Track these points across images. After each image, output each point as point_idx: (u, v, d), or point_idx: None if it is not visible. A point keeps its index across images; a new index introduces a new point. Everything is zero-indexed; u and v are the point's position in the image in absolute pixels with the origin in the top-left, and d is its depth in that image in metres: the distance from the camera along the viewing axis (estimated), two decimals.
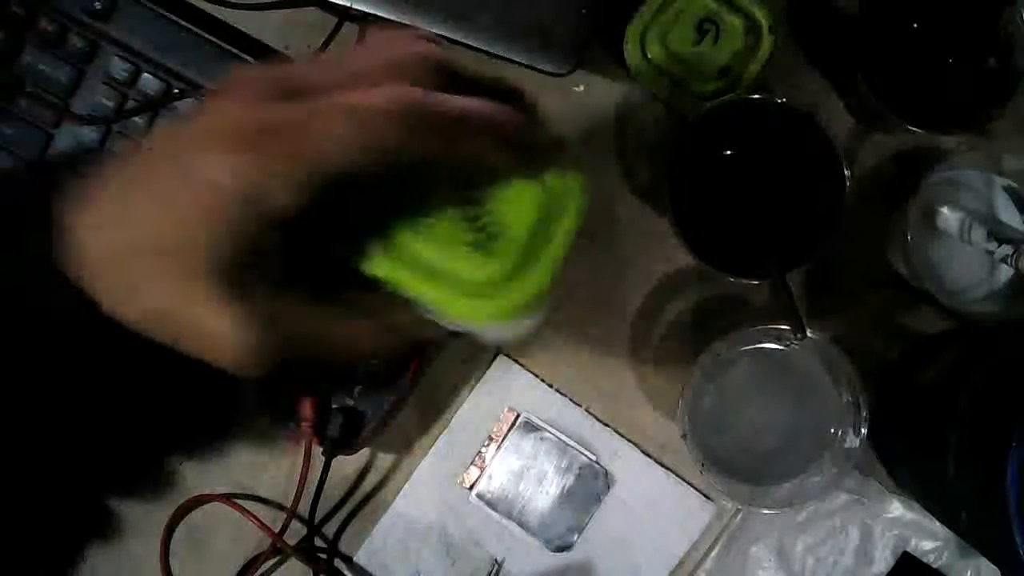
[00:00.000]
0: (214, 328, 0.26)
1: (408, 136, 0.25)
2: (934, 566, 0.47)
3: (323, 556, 0.48)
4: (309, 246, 0.28)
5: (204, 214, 0.25)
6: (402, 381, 0.46)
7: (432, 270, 0.28)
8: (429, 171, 0.28)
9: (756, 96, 0.43)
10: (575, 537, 0.48)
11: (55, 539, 0.46)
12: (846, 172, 0.42)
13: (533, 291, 0.29)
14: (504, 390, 0.48)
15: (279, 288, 0.28)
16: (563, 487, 0.48)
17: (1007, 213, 0.46)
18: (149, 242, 0.26)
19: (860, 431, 0.43)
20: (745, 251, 0.43)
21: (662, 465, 0.48)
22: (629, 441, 0.48)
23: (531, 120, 0.30)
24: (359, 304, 0.30)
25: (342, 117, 0.25)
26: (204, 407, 0.46)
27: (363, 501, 0.49)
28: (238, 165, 0.25)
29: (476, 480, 0.48)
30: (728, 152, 0.43)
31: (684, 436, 0.43)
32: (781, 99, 0.43)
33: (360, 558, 0.48)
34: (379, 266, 0.28)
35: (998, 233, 0.44)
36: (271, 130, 0.25)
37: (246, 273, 0.26)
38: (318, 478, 0.47)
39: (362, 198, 0.28)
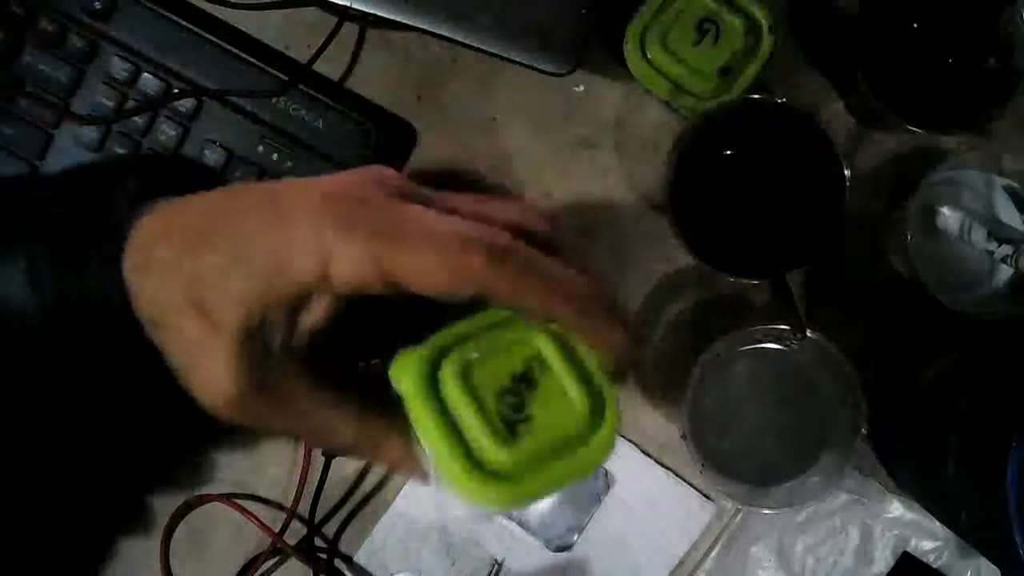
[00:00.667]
0: (210, 372, 0.27)
1: (493, 276, 0.26)
2: (934, 566, 0.47)
3: (323, 556, 0.48)
4: (350, 331, 0.29)
5: (274, 265, 0.26)
6: None
7: (449, 417, 0.27)
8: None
9: (756, 96, 0.43)
10: (575, 537, 0.48)
11: (55, 539, 0.46)
12: (846, 172, 0.42)
13: (523, 498, 0.28)
14: None
15: (289, 361, 0.28)
16: None
17: (1007, 213, 0.46)
18: (214, 292, 0.26)
19: (860, 431, 0.44)
20: (745, 251, 0.43)
21: (662, 465, 0.48)
22: (629, 441, 0.48)
23: (609, 300, 0.30)
24: (360, 409, 0.30)
25: (441, 235, 0.26)
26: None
27: (363, 501, 0.49)
28: (326, 227, 0.25)
29: None
30: (728, 152, 0.43)
31: (684, 436, 0.43)
32: (781, 99, 0.43)
33: (360, 558, 0.48)
34: (407, 381, 0.27)
35: (998, 233, 0.44)
36: (370, 208, 0.26)
37: (270, 336, 0.27)
38: (318, 478, 0.47)
39: (424, 311, 0.27)
